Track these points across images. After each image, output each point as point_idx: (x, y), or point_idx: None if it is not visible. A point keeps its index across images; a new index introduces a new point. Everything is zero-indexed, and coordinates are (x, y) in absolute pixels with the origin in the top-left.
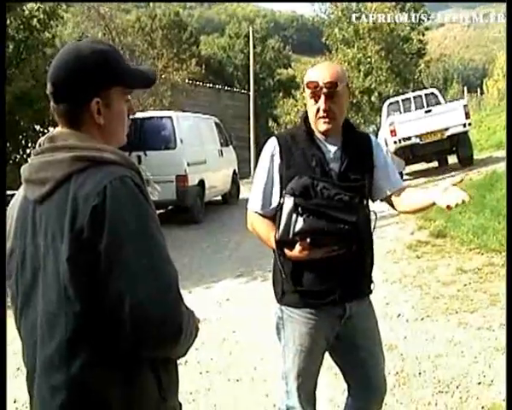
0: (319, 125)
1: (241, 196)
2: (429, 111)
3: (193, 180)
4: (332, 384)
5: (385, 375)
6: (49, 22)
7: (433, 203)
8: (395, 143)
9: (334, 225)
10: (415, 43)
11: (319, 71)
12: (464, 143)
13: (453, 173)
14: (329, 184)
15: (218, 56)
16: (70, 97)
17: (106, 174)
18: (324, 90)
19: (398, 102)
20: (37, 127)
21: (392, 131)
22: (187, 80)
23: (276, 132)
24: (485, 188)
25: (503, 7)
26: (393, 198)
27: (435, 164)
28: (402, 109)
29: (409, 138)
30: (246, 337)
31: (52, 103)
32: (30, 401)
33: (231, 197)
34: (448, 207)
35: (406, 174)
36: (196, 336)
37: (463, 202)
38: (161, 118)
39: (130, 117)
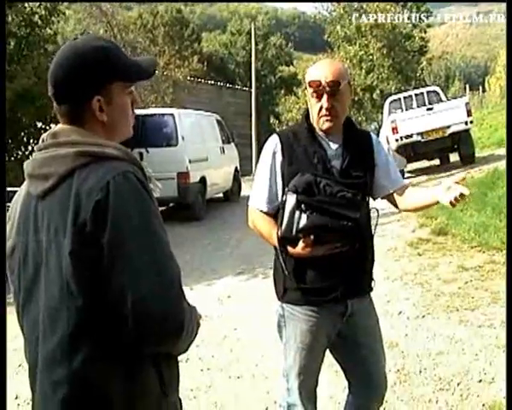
0: (321, 124)
1: (242, 194)
2: (431, 109)
3: (194, 177)
4: (333, 382)
5: (385, 372)
6: (50, 19)
7: (437, 202)
8: (397, 140)
9: (337, 221)
10: (417, 40)
11: (321, 69)
12: (466, 141)
13: (454, 171)
14: (332, 181)
15: (220, 53)
16: (71, 97)
17: (109, 169)
18: (327, 88)
19: (399, 99)
20: (39, 124)
21: (393, 129)
22: (189, 77)
23: (277, 130)
24: (486, 186)
25: (503, 5)
26: (395, 196)
27: (437, 162)
28: (404, 107)
29: (410, 136)
30: (247, 334)
31: (54, 104)
32: (32, 397)
33: (233, 194)
34: (452, 203)
35: (408, 172)
36: (197, 332)
37: (462, 195)
38: (163, 115)
39: (134, 110)
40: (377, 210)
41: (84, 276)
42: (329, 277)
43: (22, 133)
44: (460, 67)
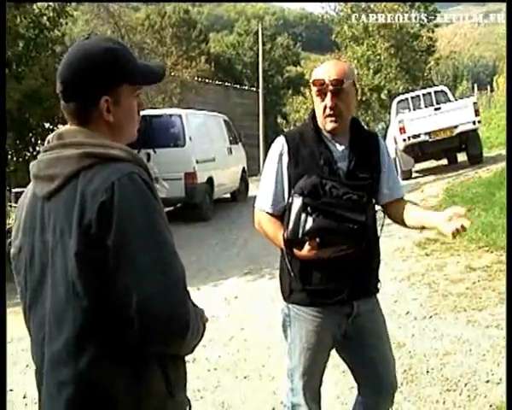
0: (326, 125)
1: (249, 194)
2: (439, 108)
3: (202, 178)
4: (339, 382)
5: (395, 373)
6: (58, 20)
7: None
8: (404, 140)
9: (343, 224)
10: (424, 40)
11: (325, 68)
12: (474, 141)
13: (462, 171)
14: (338, 183)
15: (228, 54)
16: (79, 96)
17: (114, 171)
18: (330, 87)
19: (407, 99)
20: (47, 125)
21: (401, 129)
22: (196, 78)
23: (285, 130)
24: (494, 186)
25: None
26: (390, 208)
27: (444, 162)
28: (411, 107)
29: (418, 136)
30: (254, 335)
31: (62, 102)
32: (39, 397)
33: (240, 195)
34: (453, 234)
35: (415, 172)
36: (204, 334)
37: (463, 227)
38: (170, 115)
39: (140, 114)
40: (383, 211)
41: (89, 277)
42: (335, 279)
43: (30, 134)
44: (468, 67)
